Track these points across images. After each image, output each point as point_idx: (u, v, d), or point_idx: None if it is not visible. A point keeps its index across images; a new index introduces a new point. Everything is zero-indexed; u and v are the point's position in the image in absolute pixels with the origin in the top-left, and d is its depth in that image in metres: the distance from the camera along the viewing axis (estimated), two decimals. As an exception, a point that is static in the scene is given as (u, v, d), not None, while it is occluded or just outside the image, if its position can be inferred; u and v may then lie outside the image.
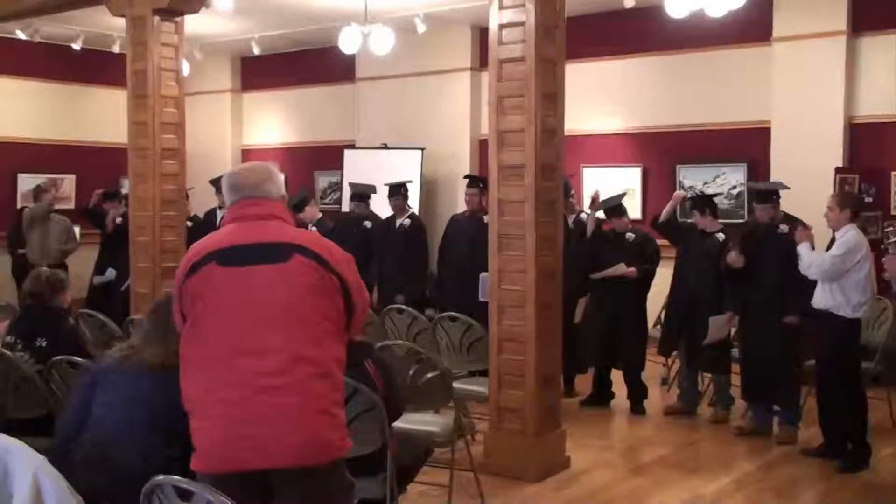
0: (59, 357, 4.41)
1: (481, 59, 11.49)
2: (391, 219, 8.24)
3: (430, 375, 4.66)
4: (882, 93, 8.79)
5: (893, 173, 8.75)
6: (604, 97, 10.52)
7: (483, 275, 6.21)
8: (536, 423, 5.49)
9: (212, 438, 2.77)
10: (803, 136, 8.99)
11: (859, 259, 5.94)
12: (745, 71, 9.59)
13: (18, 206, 11.83)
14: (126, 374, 3.29)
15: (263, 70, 13.63)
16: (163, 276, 7.26)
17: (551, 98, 5.56)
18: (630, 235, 7.48)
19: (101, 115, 12.82)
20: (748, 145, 9.51)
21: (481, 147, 11.42)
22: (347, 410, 3.52)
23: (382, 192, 8.62)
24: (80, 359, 4.34)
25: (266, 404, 2.71)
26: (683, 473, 5.79)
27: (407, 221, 8.26)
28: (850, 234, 5.98)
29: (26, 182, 12.07)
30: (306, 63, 13.00)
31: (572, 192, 7.95)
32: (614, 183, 10.33)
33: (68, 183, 12.77)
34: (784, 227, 6.48)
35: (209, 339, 2.82)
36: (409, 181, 8.47)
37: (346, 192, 10.15)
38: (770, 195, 6.64)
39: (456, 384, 5.87)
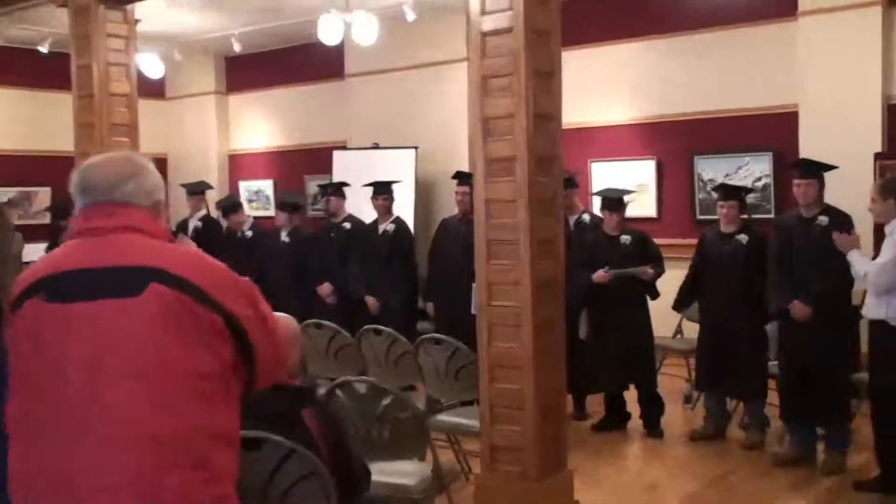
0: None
1: (478, 48, 10.62)
2: (374, 223, 7.36)
3: (401, 416, 3.78)
4: (923, 68, 7.87)
5: (940, 157, 7.80)
6: (612, 84, 9.64)
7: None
8: (537, 463, 4.59)
9: None
10: (836, 121, 8.07)
11: None
12: (768, 50, 8.66)
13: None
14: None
15: (249, 70, 12.82)
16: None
17: (546, 77, 4.67)
18: (625, 238, 6.58)
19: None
20: (773, 132, 8.58)
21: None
22: (276, 482, 2.66)
23: (364, 192, 7.75)
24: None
25: None
26: (715, 516, 4.90)
27: (391, 227, 7.39)
28: (902, 229, 5.08)
29: (-2, 195, 11.29)
30: (293, 60, 12.18)
31: (576, 187, 7.04)
32: (626, 178, 9.46)
33: (43, 195, 11.98)
34: (824, 219, 5.57)
35: (29, 414, 1.96)
36: (397, 181, 7.58)
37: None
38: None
39: (443, 416, 5.03)
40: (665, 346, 7.36)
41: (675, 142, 9.26)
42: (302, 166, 12.13)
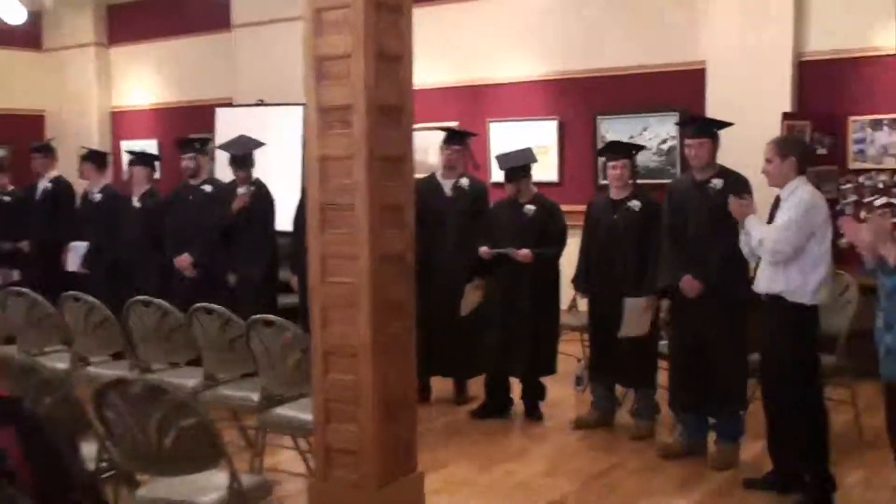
0: None
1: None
2: (232, 184, 6.53)
3: (183, 424, 3.04)
4: (837, 24, 7.32)
5: (851, 119, 7.27)
6: (511, 39, 8.96)
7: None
8: (377, 468, 3.90)
9: None
10: (744, 79, 7.51)
11: (821, 223, 4.44)
12: (674, 3, 8.06)
13: None
14: None
15: (132, 20, 11.86)
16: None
17: (392, 10, 3.93)
18: (529, 208, 5.88)
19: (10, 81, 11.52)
20: (680, 91, 7.99)
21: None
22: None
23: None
24: None
25: None
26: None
27: (209, 187, 6.64)
28: (802, 191, 4.49)
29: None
30: (179, 9, 11.23)
31: (457, 145, 6.30)
32: (527, 139, 8.77)
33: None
34: (718, 182, 4.96)
35: None
36: (262, 143, 6.78)
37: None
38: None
39: (280, 410, 4.32)
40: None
41: (578, 101, 8.63)
42: (187, 125, 11.19)
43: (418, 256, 4.07)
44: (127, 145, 11.74)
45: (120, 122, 12.19)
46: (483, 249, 5.78)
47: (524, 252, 5.67)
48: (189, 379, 4.93)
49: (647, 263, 5.30)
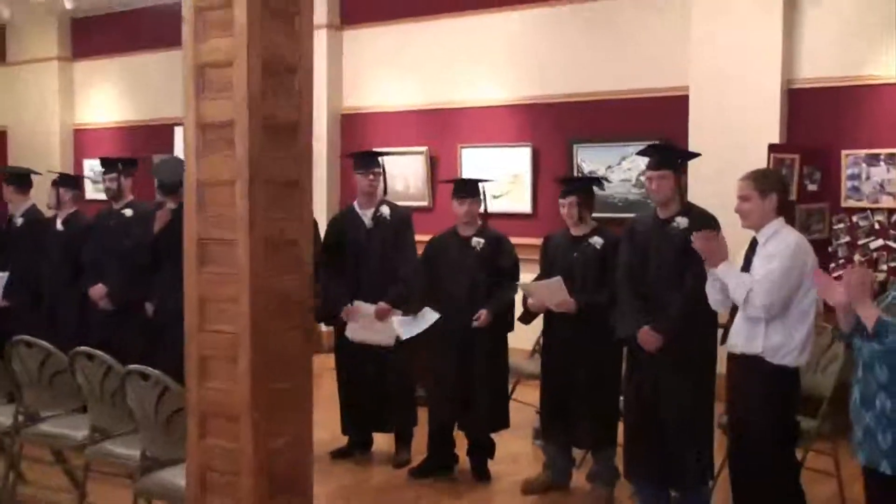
0: None
1: (342, 8, 9.31)
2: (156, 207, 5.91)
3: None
4: (831, 49, 6.73)
5: (844, 153, 6.65)
6: (484, 60, 8.39)
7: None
8: (259, 555, 3.27)
9: None
10: (728, 106, 6.93)
11: (809, 272, 3.84)
12: (657, 25, 7.50)
13: None
14: None
15: (97, 34, 11.33)
16: None
17: (285, 10, 3.33)
18: (478, 241, 5.25)
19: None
20: (661, 118, 7.39)
21: (344, 124, 9.24)
22: None
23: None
24: None
25: None
26: None
27: (130, 211, 6.05)
28: (786, 234, 3.90)
29: None
30: (145, 23, 10.69)
31: (368, 168, 5.63)
32: (499, 166, 8.23)
33: None
34: (682, 221, 4.34)
35: None
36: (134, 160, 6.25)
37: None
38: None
39: (159, 474, 3.69)
40: (517, 367, 6.06)
41: (553, 127, 8.04)
42: (147, 144, 10.64)
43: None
44: (89, 164, 11.20)
45: (83, 140, 11.62)
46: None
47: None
48: (79, 431, 4.33)
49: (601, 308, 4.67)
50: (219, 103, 3.26)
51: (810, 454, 4.65)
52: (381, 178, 5.65)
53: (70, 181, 6.50)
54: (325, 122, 9.11)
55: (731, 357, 4.03)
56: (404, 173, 8.79)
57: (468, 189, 5.29)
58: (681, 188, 4.40)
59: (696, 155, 4.56)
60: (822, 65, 6.75)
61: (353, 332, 5.49)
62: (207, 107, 3.29)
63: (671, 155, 4.48)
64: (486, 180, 5.53)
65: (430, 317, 5.19)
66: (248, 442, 3.25)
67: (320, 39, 9.16)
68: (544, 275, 5.01)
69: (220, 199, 3.28)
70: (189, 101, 3.34)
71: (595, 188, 5.11)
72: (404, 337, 5.26)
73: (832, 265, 6.52)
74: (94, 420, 4.24)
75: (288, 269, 3.37)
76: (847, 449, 4.74)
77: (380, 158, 5.68)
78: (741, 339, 3.93)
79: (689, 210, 4.38)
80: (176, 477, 3.65)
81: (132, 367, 3.77)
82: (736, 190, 3.97)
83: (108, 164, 6.15)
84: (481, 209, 5.31)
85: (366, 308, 5.45)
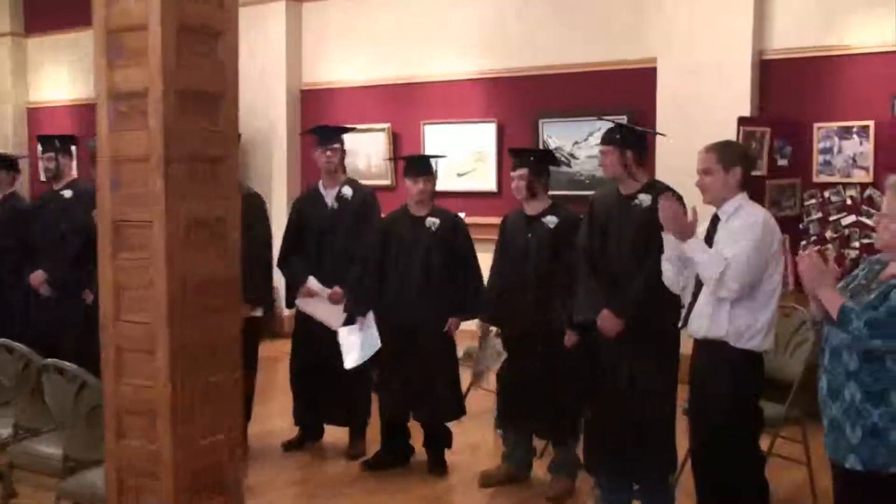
0: None
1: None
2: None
3: None
4: (804, 18, 6.49)
5: (817, 126, 6.43)
6: (448, 33, 8.10)
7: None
8: (181, 562, 3.01)
9: None
10: (697, 78, 6.68)
11: (776, 251, 3.60)
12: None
13: None
14: None
15: (51, 7, 10.88)
16: None
17: (205, -31, 3.04)
18: (432, 221, 4.98)
19: None
20: (628, 92, 7.14)
21: (304, 100, 8.92)
22: None
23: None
24: None
25: None
26: None
27: (69, 193, 5.73)
28: (751, 210, 3.67)
29: None
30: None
31: (331, 144, 5.34)
32: (464, 143, 7.96)
33: None
34: (645, 198, 4.09)
35: None
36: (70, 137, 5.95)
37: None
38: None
39: (78, 478, 3.41)
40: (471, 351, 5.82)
41: (519, 102, 7.78)
42: (103, 122, 10.27)
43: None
44: (44, 144, 10.83)
45: (37, 119, 11.23)
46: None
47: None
48: (4, 428, 4.05)
49: (553, 290, 4.43)
50: (131, 70, 2.97)
51: (778, 441, 4.46)
52: (340, 154, 5.37)
53: (5, 161, 6.17)
54: (283, 98, 8.81)
55: (694, 341, 3.80)
56: (366, 151, 8.50)
57: (422, 167, 5.02)
58: (637, 164, 4.13)
59: (648, 132, 4.28)
60: (794, 35, 6.52)
61: (304, 303, 5.27)
62: (120, 75, 3.00)
63: (614, 131, 4.20)
64: (439, 156, 5.27)
65: (373, 343, 4.96)
66: (168, 442, 2.98)
67: (278, 12, 8.86)
68: (499, 256, 4.76)
69: (134, 178, 2.99)
70: (100, 70, 3.04)
71: (555, 165, 4.84)
72: (348, 366, 5.01)
73: (803, 242, 6.31)
74: (17, 417, 3.96)
75: (212, 251, 3.09)
76: (817, 435, 4.60)
77: (341, 135, 5.41)
78: (705, 320, 3.68)
79: (652, 186, 4.13)
80: (99, 479, 3.37)
81: (48, 360, 3.49)
82: (697, 163, 3.72)
83: (45, 141, 5.84)
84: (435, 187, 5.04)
85: (321, 290, 5.22)
